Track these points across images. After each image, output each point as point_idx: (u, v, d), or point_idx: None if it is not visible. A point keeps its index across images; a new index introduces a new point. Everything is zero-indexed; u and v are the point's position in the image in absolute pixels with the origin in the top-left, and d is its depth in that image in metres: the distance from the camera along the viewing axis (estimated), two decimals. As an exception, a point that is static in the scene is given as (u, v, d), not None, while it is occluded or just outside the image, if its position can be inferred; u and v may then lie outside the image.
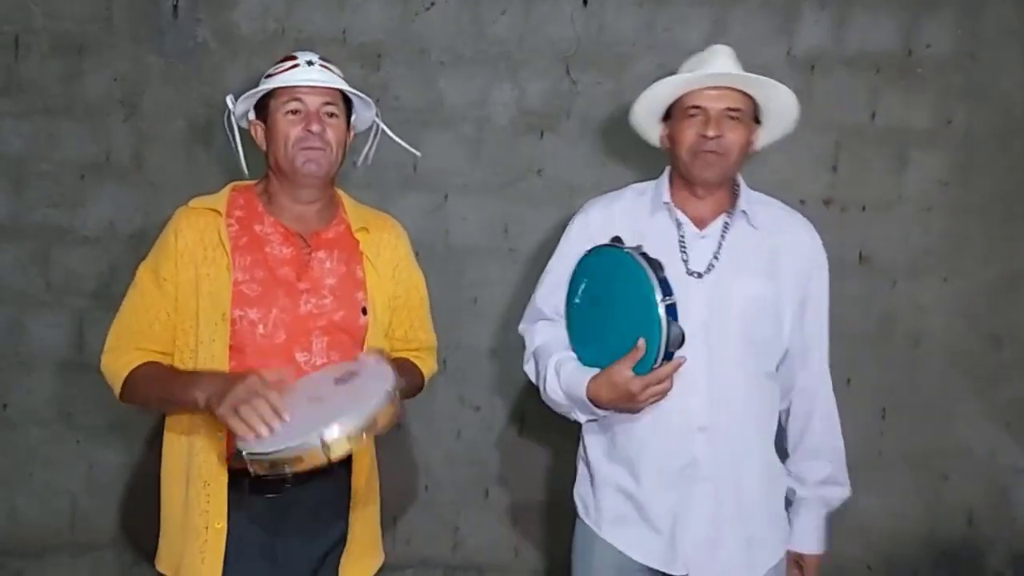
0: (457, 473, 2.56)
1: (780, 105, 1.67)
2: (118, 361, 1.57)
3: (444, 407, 2.52)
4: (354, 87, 1.64)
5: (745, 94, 1.63)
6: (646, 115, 1.73)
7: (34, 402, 2.53)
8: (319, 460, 1.30)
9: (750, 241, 1.66)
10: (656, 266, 1.51)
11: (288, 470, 1.30)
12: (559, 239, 2.42)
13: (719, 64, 1.64)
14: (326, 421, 1.30)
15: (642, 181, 1.81)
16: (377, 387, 1.38)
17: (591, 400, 1.59)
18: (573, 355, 1.69)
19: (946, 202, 2.44)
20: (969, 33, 2.37)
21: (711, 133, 1.60)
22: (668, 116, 1.70)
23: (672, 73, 1.69)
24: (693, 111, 1.63)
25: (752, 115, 1.66)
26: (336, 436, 1.29)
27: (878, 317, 2.46)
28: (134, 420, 2.45)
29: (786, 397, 1.73)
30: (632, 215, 1.71)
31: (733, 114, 1.62)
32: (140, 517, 2.52)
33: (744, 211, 1.67)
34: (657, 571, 1.67)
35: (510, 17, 2.40)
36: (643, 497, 1.66)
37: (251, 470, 1.33)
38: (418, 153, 1.86)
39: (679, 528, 1.63)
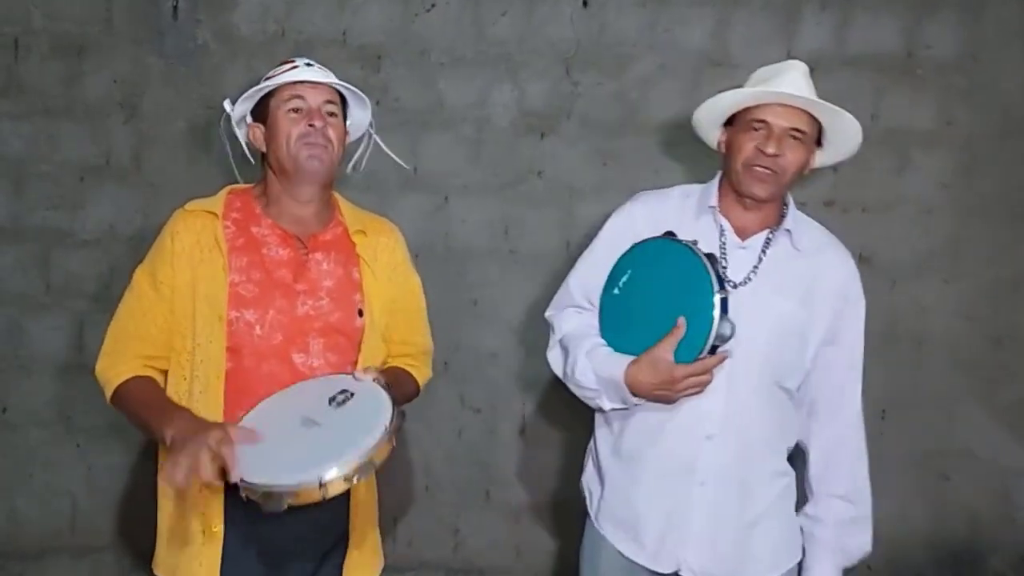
0: (457, 474, 2.55)
1: (845, 133, 1.64)
2: (112, 369, 1.57)
3: (444, 409, 2.52)
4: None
5: (812, 116, 1.60)
6: (708, 119, 1.71)
7: (34, 404, 2.53)
8: (315, 497, 1.30)
9: (790, 261, 1.65)
10: (712, 260, 1.51)
11: (285, 503, 1.31)
12: (560, 240, 2.45)
13: (791, 81, 1.59)
14: (324, 460, 1.30)
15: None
16: (375, 422, 1.37)
17: (628, 385, 1.57)
18: (604, 342, 1.68)
19: (947, 203, 2.44)
20: (970, 34, 2.37)
21: (771, 151, 1.57)
22: (730, 122, 1.68)
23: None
24: (757, 125, 1.59)
25: (815, 137, 1.64)
26: (334, 477, 1.29)
27: (879, 318, 2.42)
28: (134, 422, 2.45)
29: (801, 410, 1.70)
30: (678, 216, 1.69)
31: (796, 134, 1.58)
32: (140, 519, 2.50)
33: (789, 230, 1.65)
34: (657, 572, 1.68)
35: (510, 18, 2.40)
36: (639, 496, 1.66)
37: (243, 496, 1.33)
38: (407, 166, 1.88)
39: (670, 529, 1.64)
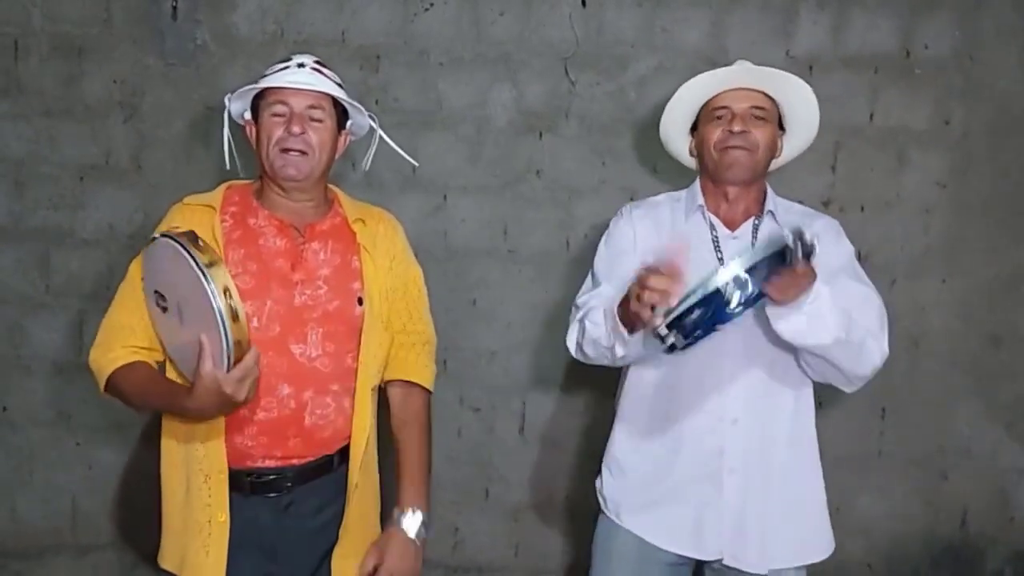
0: (457, 473, 2.56)
1: (801, 105, 1.73)
2: (105, 356, 1.57)
3: (444, 408, 2.52)
4: (353, 89, 1.64)
5: (769, 98, 1.70)
6: (674, 127, 1.80)
7: (34, 403, 2.53)
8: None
9: None
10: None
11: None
12: (559, 239, 2.45)
13: (740, 67, 1.71)
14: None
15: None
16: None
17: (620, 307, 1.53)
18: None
19: (945, 202, 2.44)
20: (967, 34, 2.37)
21: (737, 128, 1.66)
22: (695, 127, 1.78)
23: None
24: (720, 112, 1.70)
25: (777, 118, 1.73)
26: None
27: (877, 317, 2.45)
28: (133, 420, 2.46)
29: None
30: (671, 220, 1.78)
31: (758, 112, 1.69)
32: (141, 517, 2.52)
33: (771, 211, 1.73)
34: (681, 558, 1.70)
35: (509, 18, 2.41)
36: (672, 486, 1.69)
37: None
38: (415, 163, 1.89)
39: (708, 516, 1.66)
